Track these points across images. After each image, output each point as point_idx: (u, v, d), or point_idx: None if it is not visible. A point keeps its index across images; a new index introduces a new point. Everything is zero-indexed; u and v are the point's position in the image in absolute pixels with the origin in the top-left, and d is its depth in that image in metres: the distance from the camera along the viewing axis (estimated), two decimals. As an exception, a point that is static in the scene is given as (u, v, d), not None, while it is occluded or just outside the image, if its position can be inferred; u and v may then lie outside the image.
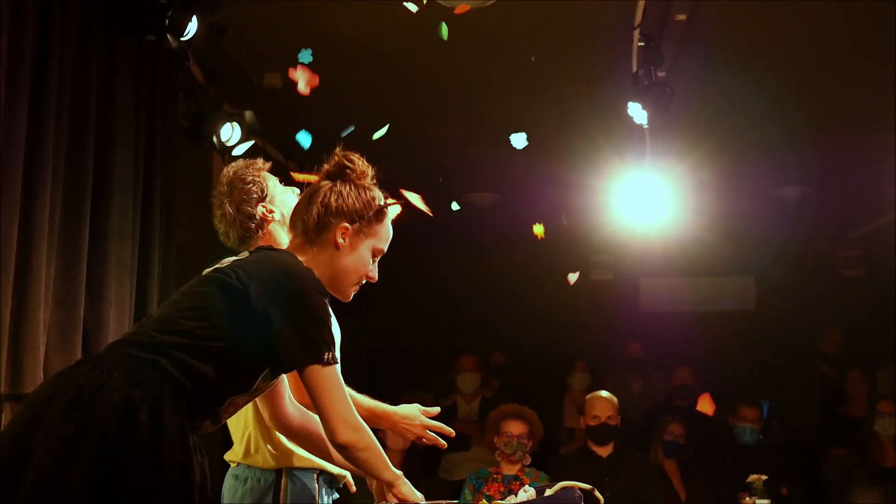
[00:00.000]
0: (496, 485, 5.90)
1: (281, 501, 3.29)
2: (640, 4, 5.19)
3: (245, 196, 3.35)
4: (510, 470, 5.96)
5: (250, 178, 3.39)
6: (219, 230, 3.38)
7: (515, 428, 5.97)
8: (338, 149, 2.89)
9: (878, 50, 5.70)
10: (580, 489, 2.99)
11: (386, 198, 2.89)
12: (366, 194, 2.84)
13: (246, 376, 2.63)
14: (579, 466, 6.17)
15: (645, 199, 6.90)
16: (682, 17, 5.29)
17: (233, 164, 3.46)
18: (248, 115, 5.74)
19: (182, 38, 4.93)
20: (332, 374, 2.63)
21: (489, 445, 6.16)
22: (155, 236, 4.96)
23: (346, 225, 2.78)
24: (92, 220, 4.43)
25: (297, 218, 2.86)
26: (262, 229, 3.32)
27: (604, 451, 6.34)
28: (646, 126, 5.89)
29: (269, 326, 2.57)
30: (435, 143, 7.21)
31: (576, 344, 9.08)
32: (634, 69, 5.63)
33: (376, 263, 2.89)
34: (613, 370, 8.85)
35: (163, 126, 5.10)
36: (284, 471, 3.31)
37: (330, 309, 2.76)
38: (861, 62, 5.97)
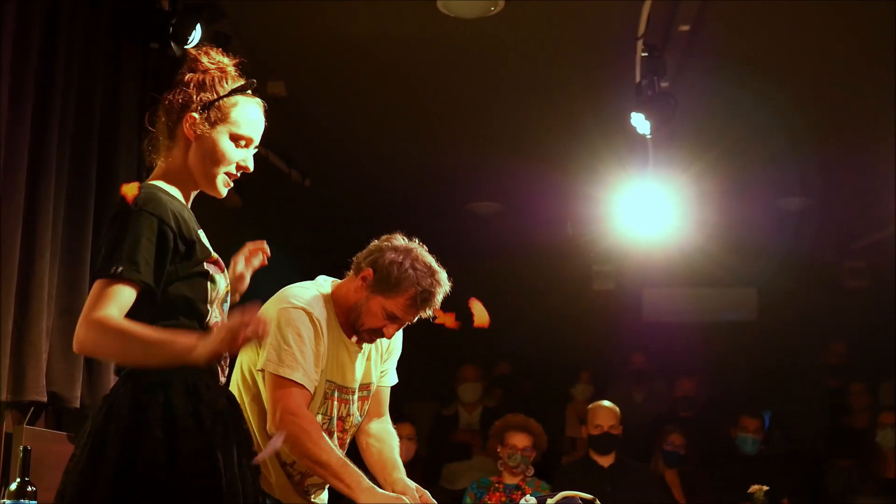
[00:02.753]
0: (497, 494, 5.89)
1: None
2: (644, 15, 5.19)
3: None
4: (512, 480, 5.95)
5: None
6: None
7: (520, 441, 5.95)
8: (192, 49, 2.78)
9: (881, 61, 5.71)
10: (581, 499, 2.99)
11: (247, 84, 2.75)
12: (213, 80, 2.68)
13: (194, 309, 2.56)
14: (581, 476, 6.17)
15: (648, 210, 6.90)
16: (685, 27, 5.29)
17: None
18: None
19: (186, 46, 4.94)
20: (111, 289, 2.40)
21: (492, 454, 6.15)
22: (158, 244, 4.96)
23: (193, 115, 2.63)
24: (95, 228, 4.44)
25: (154, 131, 2.75)
26: None
27: (605, 461, 6.33)
28: (649, 136, 5.89)
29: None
30: (439, 153, 7.22)
31: (578, 354, 9.07)
32: (638, 79, 5.64)
33: (249, 152, 2.72)
34: (616, 380, 8.84)
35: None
36: None
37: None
38: (864, 73, 5.97)
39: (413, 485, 3.43)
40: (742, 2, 5.22)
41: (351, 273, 3.41)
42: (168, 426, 2.39)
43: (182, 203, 2.63)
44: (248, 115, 2.71)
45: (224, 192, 2.72)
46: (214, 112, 2.65)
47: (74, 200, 4.33)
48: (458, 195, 8.15)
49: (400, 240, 3.40)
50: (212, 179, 2.67)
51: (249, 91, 2.74)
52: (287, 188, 6.96)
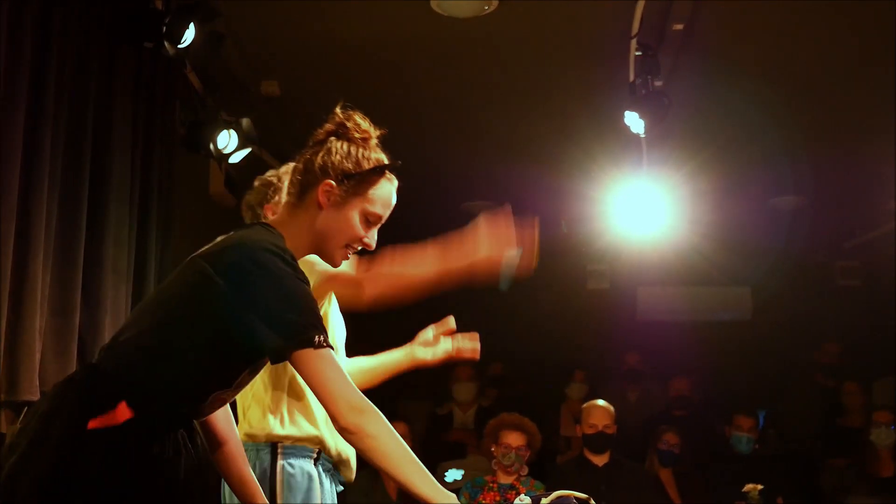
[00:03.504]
0: (492, 493, 5.89)
1: (277, 491, 3.22)
2: (638, 14, 5.20)
3: (258, 197, 3.42)
4: (506, 479, 5.95)
5: (269, 179, 3.46)
6: None
7: (515, 440, 5.95)
8: (338, 107, 2.69)
9: (874, 61, 5.72)
10: (576, 498, 2.99)
11: (391, 161, 2.67)
12: (357, 152, 2.61)
13: (225, 373, 2.48)
14: (575, 475, 6.17)
15: (642, 209, 6.91)
16: (679, 26, 5.30)
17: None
18: (246, 122, 5.74)
19: (180, 46, 4.94)
20: (327, 357, 2.36)
21: (487, 453, 6.15)
22: (151, 244, 4.96)
23: (331, 182, 2.56)
24: (88, 228, 4.43)
25: (290, 183, 2.68)
26: None
27: (600, 461, 6.33)
28: (643, 135, 5.89)
29: (238, 318, 2.36)
30: (433, 152, 7.22)
31: (573, 353, 9.07)
32: (632, 79, 5.64)
33: (374, 230, 2.64)
34: (610, 380, 8.84)
35: (160, 133, 5.10)
36: (280, 451, 3.27)
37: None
38: (858, 73, 5.98)
39: None
40: (736, 1, 5.23)
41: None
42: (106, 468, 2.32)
43: None
44: (385, 195, 2.65)
45: (340, 264, 2.69)
46: (354, 185, 2.59)
47: (68, 200, 4.32)
48: (452, 194, 8.15)
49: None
50: (333, 251, 2.62)
51: (391, 171, 2.68)
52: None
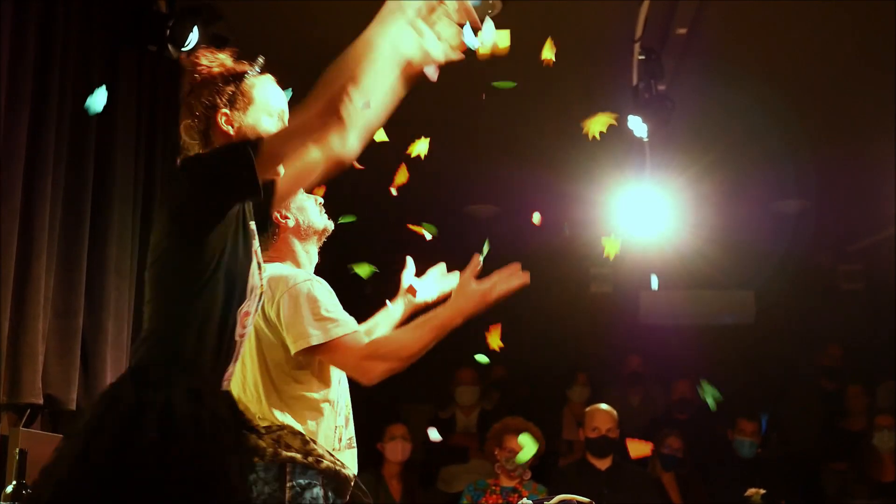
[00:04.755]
0: (494, 497, 5.89)
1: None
2: (641, 18, 5.20)
3: None
4: (509, 482, 5.95)
5: None
6: None
7: (518, 444, 5.95)
8: (181, 58, 2.81)
9: (877, 64, 5.72)
10: (578, 502, 2.99)
11: (255, 62, 2.79)
12: (223, 76, 2.70)
13: (224, 309, 2.54)
14: (578, 479, 6.16)
15: (645, 212, 6.89)
16: (682, 30, 5.30)
17: None
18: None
19: (183, 49, 4.94)
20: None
21: (490, 457, 6.14)
22: (154, 246, 4.96)
23: (224, 111, 2.67)
24: (91, 230, 4.44)
25: (189, 141, 2.73)
26: (275, 233, 3.36)
27: (602, 464, 6.32)
28: (646, 139, 5.89)
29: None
30: (435, 155, 7.20)
31: (575, 356, 9.06)
32: (635, 82, 5.64)
33: (284, 122, 2.77)
34: (612, 383, 8.84)
35: (163, 136, 5.11)
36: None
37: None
38: (860, 76, 5.98)
39: None
40: (739, 5, 5.23)
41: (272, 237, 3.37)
42: (165, 429, 2.35)
43: None
44: (270, 90, 2.79)
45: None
46: (240, 100, 2.69)
47: (71, 202, 4.32)
48: (455, 198, 8.15)
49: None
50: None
51: (259, 70, 2.80)
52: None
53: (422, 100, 6.53)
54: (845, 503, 7.15)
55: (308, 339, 3.18)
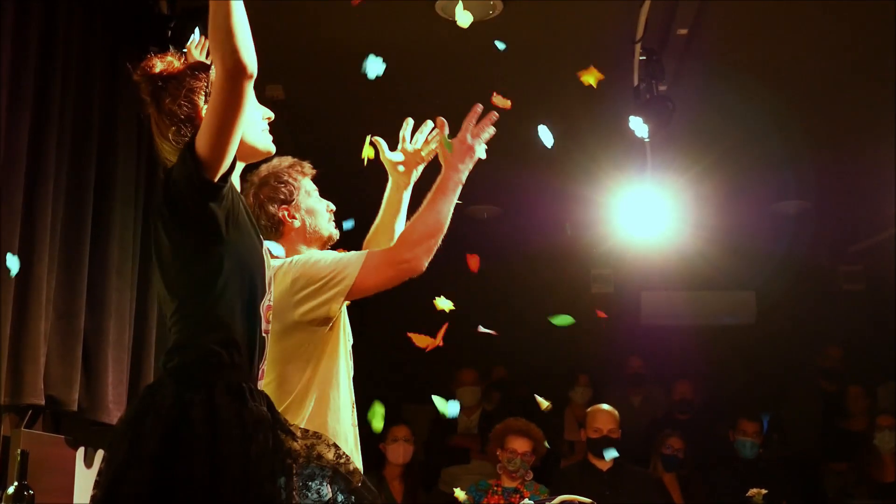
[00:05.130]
0: (496, 497, 5.89)
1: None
2: (642, 19, 5.20)
3: (271, 194, 3.39)
4: (510, 483, 5.95)
5: (285, 177, 3.46)
6: None
7: (520, 445, 5.94)
8: (129, 67, 2.73)
9: (877, 66, 5.72)
10: (580, 503, 3.00)
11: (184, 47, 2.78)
12: (189, 70, 2.69)
13: (244, 268, 2.55)
14: (579, 480, 6.17)
15: (646, 213, 6.90)
16: (683, 31, 5.30)
17: (280, 158, 3.46)
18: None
19: (185, 50, 4.94)
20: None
21: (492, 458, 6.15)
22: (156, 248, 4.96)
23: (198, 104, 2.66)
24: (93, 231, 4.44)
25: (171, 143, 2.74)
26: (279, 231, 3.35)
27: (604, 465, 6.32)
28: (647, 140, 5.90)
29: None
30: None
31: (576, 357, 9.06)
32: (636, 83, 5.64)
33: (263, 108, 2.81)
34: (613, 384, 8.84)
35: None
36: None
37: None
38: (861, 77, 5.98)
39: None
40: (740, 6, 5.23)
41: (280, 233, 3.41)
42: (211, 426, 2.35)
43: None
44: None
45: (271, 142, 2.84)
46: (207, 89, 2.67)
47: (73, 203, 4.33)
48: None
49: (311, 192, 3.53)
50: (255, 137, 2.78)
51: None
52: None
53: (425, 101, 6.56)
54: (846, 503, 7.15)
55: (343, 280, 3.14)
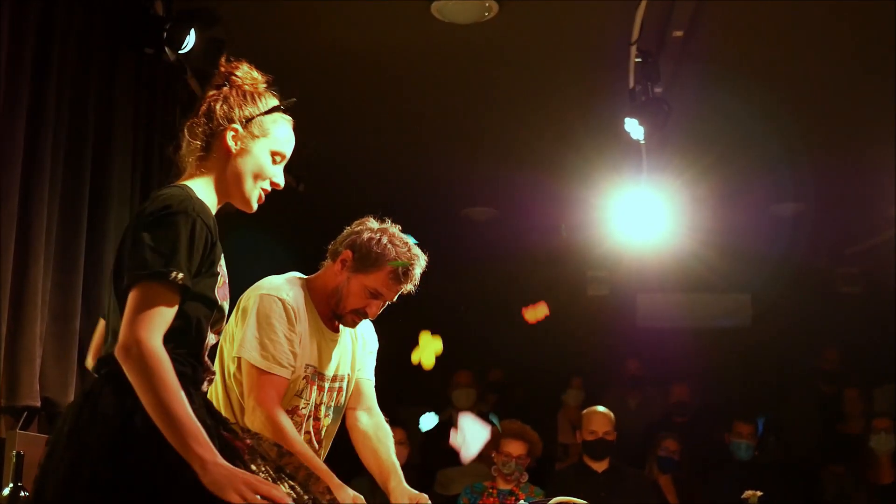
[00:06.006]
0: (491, 499, 5.89)
1: None
2: (638, 20, 5.20)
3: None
4: (506, 485, 5.94)
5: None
6: None
7: (515, 448, 5.94)
8: (222, 59, 2.78)
9: (874, 68, 5.72)
10: (575, 505, 3.00)
11: (288, 101, 2.79)
12: (253, 97, 2.73)
13: (195, 332, 2.51)
14: (575, 482, 6.16)
15: (642, 215, 6.90)
16: (679, 33, 5.30)
17: None
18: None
19: (180, 52, 4.95)
20: (159, 293, 2.36)
21: (487, 459, 6.14)
22: (151, 249, 4.96)
23: (236, 127, 2.66)
24: (89, 233, 4.44)
25: (190, 139, 2.72)
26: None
27: (600, 467, 6.32)
28: (643, 142, 5.89)
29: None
30: (433, 158, 7.22)
31: (572, 359, 9.07)
32: (632, 85, 5.64)
33: (280, 169, 2.76)
34: (610, 386, 8.84)
35: (160, 139, 5.11)
36: None
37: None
38: (858, 80, 5.98)
39: (411, 491, 3.44)
40: (736, 8, 5.23)
41: (327, 261, 3.54)
42: (156, 434, 2.33)
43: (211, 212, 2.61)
44: (286, 133, 2.77)
45: (255, 207, 2.76)
46: (257, 127, 2.69)
47: (68, 205, 4.32)
48: (452, 201, 8.16)
49: (373, 222, 3.56)
50: (248, 193, 2.72)
51: (286, 108, 2.79)
52: (280, 193, 6.94)
53: (420, 103, 6.57)
54: (842, 506, 7.16)
55: (243, 351, 3.30)
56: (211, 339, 2.62)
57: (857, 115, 6.49)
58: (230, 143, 2.66)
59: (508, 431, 6.02)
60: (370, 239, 3.43)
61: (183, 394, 2.33)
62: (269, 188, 2.76)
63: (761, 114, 6.24)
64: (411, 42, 5.62)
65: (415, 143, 6.79)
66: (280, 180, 2.77)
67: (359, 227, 3.51)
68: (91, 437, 2.36)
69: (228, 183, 2.68)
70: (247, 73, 2.75)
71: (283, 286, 3.44)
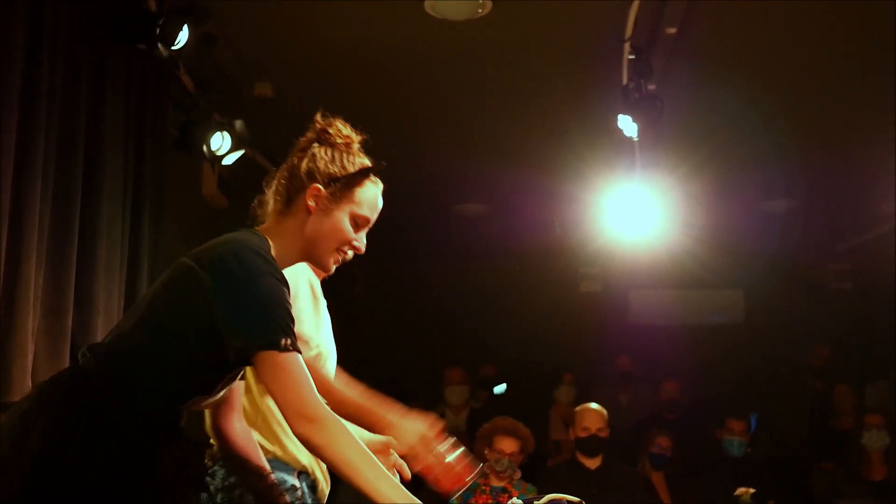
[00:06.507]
0: (484, 497, 5.89)
1: None
2: (631, 17, 5.20)
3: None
4: (498, 482, 5.94)
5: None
6: None
7: (508, 445, 5.94)
8: (318, 115, 2.73)
9: (867, 65, 5.73)
10: (568, 501, 2.99)
11: (377, 165, 2.69)
12: (342, 156, 2.64)
13: (206, 377, 2.49)
14: (567, 479, 6.17)
15: (634, 212, 6.90)
16: (672, 30, 5.30)
17: None
18: (239, 124, 5.74)
19: (173, 48, 4.93)
20: (288, 362, 2.35)
21: (479, 457, 6.14)
22: (144, 245, 4.96)
23: (318, 187, 2.59)
24: (81, 229, 4.42)
25: (272, 190, 2.68)
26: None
27: (592, 464, 6.33)
28: (635, 139, 5.90)
29: (217, 318, 2.38)
30: (425, 154, 7.22)
31: (565, 356, 9.08)
32: (625, 82, 5.64)
33: (363, 234, 2.67)
34: (601, 383, 8.85)
35: (153, 135, 5.10)
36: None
37: (313, 293, 2.64)
38: (849, 76, 5.99)
39: None
40: (728, 5, 5.24)
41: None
42: (114, 436, 2.33)
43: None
44: (372, 198, 2.68)
45: (332, 270, 2.70)
46: (343, 189, 2.62)
47: (61, 201, 4.31)
48: (444, 197, 8.16)
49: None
50: (324, 256, 2.64)
51: (376, 173, 2.71)
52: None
53: (413, 100, 6.57)
54: (834, 503, 7.16)
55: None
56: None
57: (849, 112, 6.51)
58: (311, 202, 2.59)
59: (501, 428, 6.02)
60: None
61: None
62: (349, 253, 2.68)
63: (753, 111, 6.24)
64: (405, 39, 5.61)
65: (407, 139, 6.78)
66: (361, 246, 2.68)
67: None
68: (39, 424, 2.34)
69: (306, 242, 2.62)
70: (339, 131, 2.68)
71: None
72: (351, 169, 2.64)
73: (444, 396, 8.27)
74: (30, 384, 3.99)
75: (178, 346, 2.42)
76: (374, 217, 2.68)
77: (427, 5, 5.17)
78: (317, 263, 2.68)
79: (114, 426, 2.34)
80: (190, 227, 5.85)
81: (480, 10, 5.22)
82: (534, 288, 9.46)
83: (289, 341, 2.36)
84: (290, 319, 2.41)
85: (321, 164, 2.61)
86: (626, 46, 5.44)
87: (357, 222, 2.64)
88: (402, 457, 3.02)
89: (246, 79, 5.97)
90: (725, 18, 5.39)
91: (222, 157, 5.76)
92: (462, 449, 2.92)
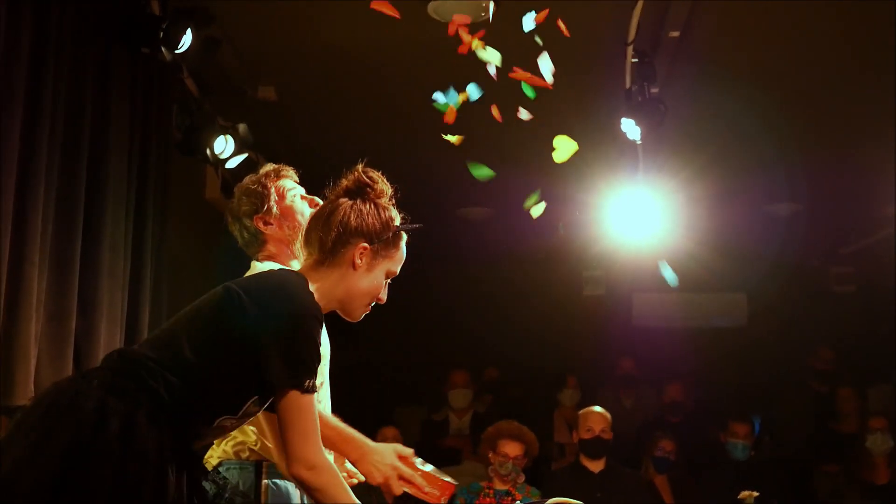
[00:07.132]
0: (488, 500, 5.89)
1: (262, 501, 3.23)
2: (634, 21, 5.20)
3: (244, 207, 3.39)
4: (502, 486, 5.94)
5: (253, 187, 3.44)
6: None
7: (512, 449, 5.94)
8: (359, 165, 2.81)
9: (869, 67, 5.73)
10: (571, 505, 2.99)
11: (403, 219, 2.81)
12: (385, 214, 2.76)
13: (234, 398, 2.55)
14: (571, 482, 6.17)
15: (637, 215, 6.90)
16: (675, 33, 5.30)
17: (253, 174, 3.49)
18: (242, 127, 5.75)
19: (176, 51, 4.94)
20: (306, 404, 2.50)
21: (483, 460, 6.14)
22: (147, 249, 4.96)
23: (365, 245, 2.70)
24: (84, 233, 4.43)
25: (313, 235, 2.75)
26: (260, 241, 3.36)
27: (596, 467, 6.33)
28: (639, 142, 5.90)
29: (258, 347, 2.48)
30: (429, 157, 7.21)
31: (568, 359, 9.07)
32: (628, 85, 5.64)
33: (387, 286, 2.80)
34: (605, 386, 8.84)
35: (156, 139, 5.11)
36: (265, 470, 3.27)
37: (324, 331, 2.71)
38: (852, 79, 5.99)
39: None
40: (731, 8, 5.23)
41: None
42: (125, 443, 2.35)
43: None
44: (403, 254, 2.82)
45: (360, 318, 2.81)
46: (383, 247, 2.74)
47: (64, 204, 4.31)
48: (448, 200, 8.15)
49: (291, 195, 3.46)
50: (359, 310, 2.78)
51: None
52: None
53: (416, 102, 6.53)
54: (836, 505, 7.17)
55: None
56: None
57: (852, 114, 6.50)
58: (357, 259, 2.70)
59: (505, 432, 6.02)
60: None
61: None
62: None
63: (756, 114, 6.24)
64: (408, 42, 5.61)
65: (411, 142, 6.78)
66: (384, 296, 2.80)
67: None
68: (59, 428, 2.35)
69: (345, 294, 2.72)
70: (382, 189, 2.78)
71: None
72: (391, 226, 2.76)
73: (448, 399, 8.26)
74: (32, 388, 3.99)
75: (214, 365, 2.50)
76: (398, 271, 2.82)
77: (430, 8, 5.16)
78: (348, 315, 2.79)
79: (142, 435, 2.37)
80: (193, 230, 5.85)
81: (483, 14, 5.21)
82: (537, 291, 9.45)
83: (311, 383, 2.49)
84: (319, 360, 2.54)
85: (369, 222, 2.72)
86: (630, 50, 5.44)
87: (387, 276, 2.78)
88: (377, 486, 3.09)
89: (249, 82, 5.97)
90: (728, 22, 5.39)
91: (226, 160, 5.76)
92: (432, 468, 3.01)
